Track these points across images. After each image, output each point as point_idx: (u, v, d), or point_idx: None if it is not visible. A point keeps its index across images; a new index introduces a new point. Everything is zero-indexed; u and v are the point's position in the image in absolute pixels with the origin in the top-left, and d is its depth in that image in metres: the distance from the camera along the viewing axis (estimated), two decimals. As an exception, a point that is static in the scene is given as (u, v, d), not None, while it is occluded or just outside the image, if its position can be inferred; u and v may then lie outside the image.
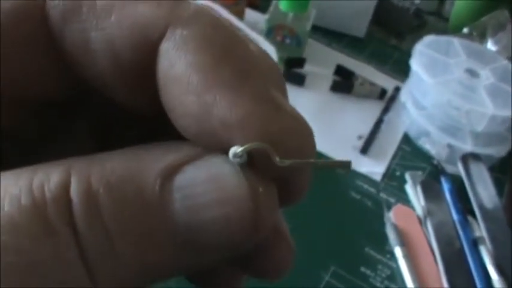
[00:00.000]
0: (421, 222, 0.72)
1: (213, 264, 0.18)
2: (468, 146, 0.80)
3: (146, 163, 0.16)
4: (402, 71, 0.94)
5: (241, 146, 0.16)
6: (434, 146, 0.83)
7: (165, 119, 0.18)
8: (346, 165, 0.18)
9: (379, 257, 0.68)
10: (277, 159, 0.17)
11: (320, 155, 0.78)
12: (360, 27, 1.03)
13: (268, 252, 0.20)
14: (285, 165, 0.17)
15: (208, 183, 0.16)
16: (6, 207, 0.14)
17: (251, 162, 0.17)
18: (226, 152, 0.17)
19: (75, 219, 0.14)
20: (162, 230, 0.15)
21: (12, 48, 0.18)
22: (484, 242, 0.69)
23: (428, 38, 0.89)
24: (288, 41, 0.91)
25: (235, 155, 0.16)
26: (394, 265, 0.67)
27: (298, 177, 0.20)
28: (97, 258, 0.14)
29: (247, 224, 0.16)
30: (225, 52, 0.17)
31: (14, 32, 0.17)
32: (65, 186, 0.14)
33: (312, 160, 0.18)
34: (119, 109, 0.20)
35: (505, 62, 0.90)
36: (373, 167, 0.79)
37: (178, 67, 0.17)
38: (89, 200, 0.14)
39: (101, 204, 0.15)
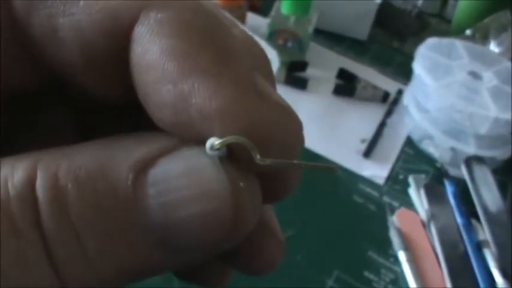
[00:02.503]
0: (425, 225, 0.72)
1: (193, 263, 0.17)
2: (471, 149, 0.80)
3: (118, 156, 0.15)
4: (405, 73, 0.94)
5: (220, 138, 0.15)
6: (438, 149, 0.83)
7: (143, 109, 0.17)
8: (332, 168, 0.17)
9: (382, 261, 0.67)
10: (258, 156, 0.15)
11: (323, 159, 0.78)
12: (362, 30, 1.03)
13: (256, 248, 0.19)
14: (265, 164, 0.15)
15: (184, 177, 0.15)
16: None
17: (232, 156, 0.16)
18: (204, 144, 0.16)
19: (42, 218, 0.13)
20: (135, 229, 0.14)
21: None
22: (488, 246, 0.69)
23: (431, 41, 0.89)
24: (290, 44, 0.91)
25: (213, 148, 0.15)
26: (397, 269, 0.67)
27: (285, 173, 0.19)
28: (65, 259, 0.14)
29: (227, 222, 0.15)
30: (205, 37, 0.16)
31: None
32: (31, 182, 0.14)
33: (296, 162, 0.16)
34: (95, 99, 0.19)
35: (507, 63, 0.89)
36: (376, 171, 0.79)
37: (152, 53, 0.15)
38: (56, 197, 0.14)
39: (69, 202, 0.14)
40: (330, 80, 0.90)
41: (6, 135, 0.19)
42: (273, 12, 0.91)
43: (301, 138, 0.17)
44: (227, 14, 0.18)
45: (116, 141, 0.15)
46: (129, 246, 0.14)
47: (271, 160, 0.16)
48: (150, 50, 0.15)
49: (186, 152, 0.15)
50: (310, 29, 0.91)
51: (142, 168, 0.15)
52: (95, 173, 0.14)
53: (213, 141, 0.15)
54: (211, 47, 0.16)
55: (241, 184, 0.15)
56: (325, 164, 0.17)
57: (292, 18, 0.89)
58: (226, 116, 0.15)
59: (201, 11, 0.16)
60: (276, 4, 0.91)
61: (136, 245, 0.14)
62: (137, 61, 0.16)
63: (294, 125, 0.17)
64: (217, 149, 0.15)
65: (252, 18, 0.97)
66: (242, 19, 0.93)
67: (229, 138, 0.15)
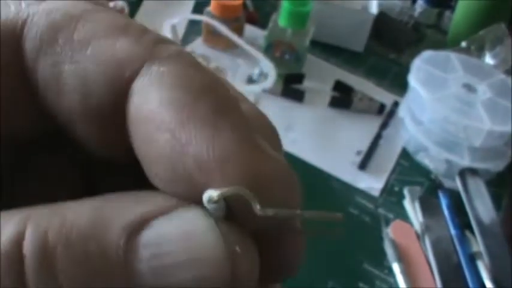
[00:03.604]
0: (419, 237, 0.73)
1: None
2: (466, 161, 0.81)
3: (112, 216, 0.14)
4: (401, 85, 0.95)
5: (218, 190, 0.15)
6: (433, 161, 0.84)
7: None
8: (338, 217, 0.16)
9: (377, 272, 0.68)
10: (258, 207, 0.15)
11: (319, 171, 0.79)
12: (358, 41, 1.04)
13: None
14: (267, 215, 0.15)
15: (178, 240, 0.14)
16: None
17: (230, 213, 0.15)
18: (202, 203, 0.15)
19: (27, 279, 0.13)
20: None
21: None
22: (481, 257, 0.70)
23: (426, 53, 0.90)
24: (287, 56, 0.92)
25: (211, 201, 0.15)
26: (392, 281, 0.68)
27: (288, 245, 0.18)
28: None
29: (221, 285, 0.14)
30: (205, 91, 0.16)
31: None
32: (19, 240, 0.13)
33: (299, 211, 0.16)
34: (95, 154, 0.19)
35: (502, 76, 0.90)
36: (371, 183, 0.80)
37: (151, 103, 0.15)
38: (44, 258, 0.13)
39: (57, 264, 0.13)
40: (326, 92, 0.91)
41: (5, 182, 0.19)
42: (270, 25, 0.92)
43: (300, 195, 0.17)
44: (236, 89, 0.18)
45: (111, 200, 0.15)
46: None
47: (272, 210, 0.15)
48: (149, 100, 0.15)
49: (182, 214, 0.15)
50: (307, 41, 0.92)
51: (136, 230, 0.14)
52: (86, 234, 0.13)
53: (211, 194, 0.15)
54: (211, 98, 0.15)
55: (238, 250, 0.15)
56: (330, 213, 0.16)
57: (290, 31, 0.90)
58: (225, 166, 0.15)
59: (202, 68, 0.16)
60: (274, 16, 0.92)
61: None
62: (135, 112, 0.16)
63: (293, 181, 0.16)
64: (216, 202, 0.15)
65: (249, 30, 0.98)
66: (240, 31, 0.94)
67: (229, 190, 0.15)
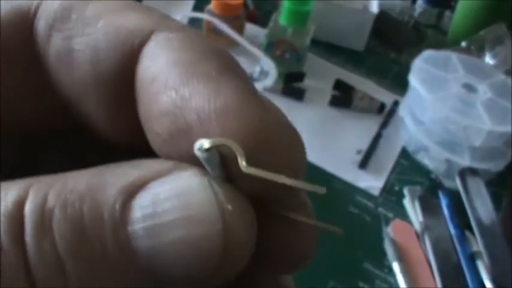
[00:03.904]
0: (419, 237, 0.73)
1: None
2: (466, 161, 0.81)
3: (109, 180, 0.14)
4: (401, 85, 0.95)
5: (210, 139, 0.15)
6: (433, 160, 0.84)
7: (143, 150, 0.17)
8: (320, 190, 0.15)
9: (377, 272, 0.68)
10: (244, 163, 0.14)
11: (319, 169, 0.79)
12: (359, 40, 1.04)
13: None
14: (251, 174, 0.14)
15: (172, 200, 0.14)
16: None
17: (230, 176, 0.15)
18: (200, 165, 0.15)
19: (25, 238, 0.13)
20: (118, 254, 0.14)
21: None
22: (481, 257, 0.70)
23: (427, 53, 0.90)
24: (287, 55, 0.92)
25: (201, 149, 0.15)
26: (392, 280, 0.68)
27: (298, 231, 0.18)
28: (45, 282, 0.13)
29: (216, 247, 0.14)
30: (210, 53, 0.16)
31: (1, 49, 0.17)
32: (20, 202, 0.14)
33: (283, 176, 0.15)
34: (95, 141, 0.19)
35: (502, 76, 0.90)
36: (371, 182, 0.80)
37: (157, 65, 0.16)
38: (42, 218, 0.13)
39: (54, 223, 0.13)
40: (327, 91, 0.91)
41: (10, 173, 0.19)
42: (271, 24, 0.92)
43: (302, 156, 0.16)
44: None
45: (110, 167, 0.15)
46: (111, 273, 0.14)
47: (257, 170, 0.14)
48: (157, 62, 0.16)
49: (178, 174, 0.15)
50: (308, 40, 0.92)
51: (132, 192, 0.14)
52: (83, 196, 0.14)
53: (202, 142, 0.15)
54: (215, 59, 0.16)
55: (230, 208, 0.14)
56: (313, 185, 0.15)
57: (290, 29, 0.90)
58: (225, 118, 0.15)
59: (207, 38, 0.17)
60: (274, 15, 0.92)
61: (120, 272, 0.14)
62: (143, 74, 0.16)
63: (296, 140, 0.16)
64: (207, 151, 0.15)
65: (250, 28, 0.98)
66: (240, 29, 0.94)
67: (219, 140, 0.14)
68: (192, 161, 0.15)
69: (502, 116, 0.81)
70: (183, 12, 0.99)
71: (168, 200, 0.14)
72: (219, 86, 0.15)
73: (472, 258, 0.70)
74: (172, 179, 0.15)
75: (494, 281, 0.67)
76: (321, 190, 0.15)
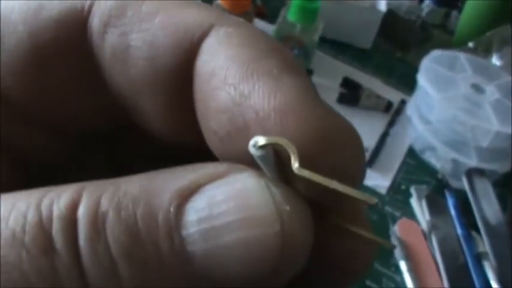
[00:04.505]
0: (426, 236, 0.73)
1: None
2: (473, 161, 0.81)
3: (163, 183, 0.14)
4: (408, 83, 0.95)
5: (266, 137, 0.14)
6: (439, 160, 0.84)
7: (197, 150, 0.17)
8: (371, 201, 0.15)
9: (384, 270, 0.68)
10: (296, 165, 0.14)
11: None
12: (366, 39, 1.04)
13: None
14: (302, 175, 0.14)
15: (228, 202, 0.14)
16: (10, 222, 0.13)
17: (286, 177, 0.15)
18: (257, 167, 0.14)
19: (79, 240, 0.13)
20: (172, 258, 0.13)
21: (53, 62, 0.17)
22: (487, 257, 0.70)
23: (435, 53, 0.90)
24: (295, 52, 0.91)
25: (255, 145, 0.14)
26: (398, 279, 0.68)
27: (355, 247, 0.17)
28: (98, 283, 0.13)
29: (273, 250, 0.14)
30: (270, 50, 0.16)
31: (56, 48, 0.17)
32: (74, 206, 0.14)
33: (335, 182, 0.14)
34: (143, 144, 0.19)
35: (509, 78, 0.90)
36: (378, 180, 0.80)
37: (217, 60, 0.15)
38: (96, 221, 0.13)
39: (108, 226, 0.13)
40: (334, 88, 0.91)
41: (56, 170, 0.19)
42: (279, 20, 0.91)
43: (362, 161, 0.16)
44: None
45: (163, 172, 0.15)
46: (165, 277, 0.14)
47: (309, 173, 0.14)
48: (216, 57, 0.16)
49: (233, 177, 0.14)
50: (316, 36, 0.91)
51: (187, 195, 0.14)
52: (137, 199, 0.14)
53: (258, 139, 0.14)
54: (275, 57, 0.16)
55: (288, 208, 0.14)
56: (364, 194, 0.14)
57: (299, 26, 0.89)
58: (284, 116, 0.14)
59: (266, 34, 0.17)
60: (283, 11, 0.92)
61: (173, 276, 0.14)
62: (202, 69, 0.16)
63: (357, 144, 0.16)
64: (261, 148, 0.14)
65: (258, 24, 0.98)
66: (249, 25, 0.94)
67: (272, 138, 0.14)
68: (249, 161, 0.15)
69: (509, 117, 0.81)
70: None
71: (224, 202, 0.14)
72: (279, 84, 0.15)
73: (478, 258, 0.70)
74: (228, 181, 0.14)
75: (500, 281, 0.68)
76: (371, 201, 0.14)
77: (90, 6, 0.17)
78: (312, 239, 0.15)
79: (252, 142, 0.14)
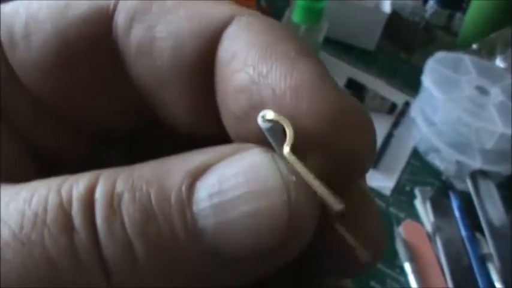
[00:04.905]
0: (430, 237, 0.73)
1: (248, 277, 0.16)
2: (477, 163, 0.81)
3: (174, 165, 0.15)
4: (412, 85, 0.95)
5: (273, 112, 0.15)
6: (444, 162, 0.84)
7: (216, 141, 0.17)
8: (337, 206, 0.15)
9: (388, 271, 0.68)
10: (287, 149, 0.15)
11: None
12: (370, 40, 1.04)
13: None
14: (288, 159, 0.15)
15: (237, 176, 0.14)
16: (33, 204, 0.14)
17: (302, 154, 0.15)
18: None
19: (96, 219, 0.14)
20: (184, 234, 0.14)
21: (79, 60, 0.18)
22: (491, 259, 0.70)
23: (440, 55, 0.90)
24: (300, 53, 0.91)
25: (263, 118, 0.15)
26: (403, 280, 0.68)
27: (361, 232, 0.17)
28: (115, 260, 0.14)
29: (281, 219, 0.14)
30: (287, 36, 0.17)
31: (82, 46, 0.18)
32: (91, 188, 0.14)
33: (312, 176, 0.15)
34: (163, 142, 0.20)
35: (514, 80, 0.91)
36: (382, 181, 0.80)
37: (237, 44, 0.16)
38: (112, 201, 0.14)
39: (123, 206, 0.14)
40: (339, 89, 0.91)
41: (75, 165, 0.20)
42: (284, 20, 0.91)
43: (372, 143, 0.16)
44: None
45: (175, 156, 0.16)
46: (177, 252, 0.14)
47: (295, 160, 0.15)
48: (237, 42, 0.16)
49: (242, 154, 0.15)
50: (321, 37, 0.91)
51: (198, 174, 0.15)
52: (151, 180, 0.14)
53: (266, 112, 0.15)
54: (292, 42, 0.16)
55: (293, 178, 0.15)
56: (333, 197, 0.15)
57: (303, 27, 0.89)
58: (300, 94, 0.15)
59: (287, 26, 0.18)
60: (288, 12, 0.92)
61: (185, 252, 0.14)
62: (222, 54, 0.17)
63: (368, 126, 0.16)
64: (268, 121, 0.15)
65: (262, 25, 0.98)
66: (253, 26, 0.94)
67: (277, 116, 0.15)
68: (264, 141, 0.16)
69: (514, 119, 0.81)
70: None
71: (234, 177, 0.14)
72: (296, 65, 0.16)
73: (482, 260, 0.70)
74: (236, 159, 0.15)
75: (504, 282, 0.68)
76: (337, 206, 0.15)
77: (116, 5, 0.18)
78: (317, 211, 0.15)
79: (261, 114, 0.15)
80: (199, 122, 0.19)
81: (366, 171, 0.17)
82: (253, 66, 0.16)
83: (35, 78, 0.18)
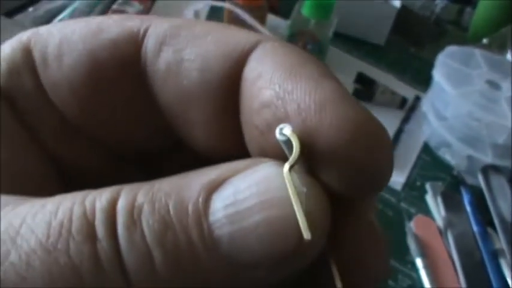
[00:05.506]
0: (442, 233, 0.72)
1: (263, 286, 0.16)
2: (488, 158, 0.80)
3: (192, 178, 0.16)
4: (422, 80, 0.94)
5: (291, 127, 0.16)
6: (455, 156, 0.83)
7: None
8: (304, 234, 0.15)
9: (400, 267, 0.68)
10: (287, 167, 0.15)
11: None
12: (379, 34, 1.04)
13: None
14: (285, 175, 0.15)
15: (251, 188, 0.15)
16: (58, 215, 0.15)
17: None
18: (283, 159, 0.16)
19: (118, 230, 0.15)
20: (201, 243, 0.15)
21: (108, 81, 0.19)
22: (503, 255, 0.70)
23: (450, 49, 0.89)
24: (309, 47, 0.91)
25: (280, 131, 0.16)
26: (414, 275, 0.67)
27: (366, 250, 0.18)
28: (135, 269, 0.14)
29: (292, 228, 0.15)
30: (311, 60, 0.17)
31: (111, 67, 0.19)
32: (114, 201, 0.15)
33: (296, 196, 0.15)
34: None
35: (525, 74, 0.90)
36: (393, 176, 0.78)
37: (264, 66, 0.17)
38: (132, 212, 0.15)
39: (143, 216, 0.15)
40: (348, 84, 0.91)
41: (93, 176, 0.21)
42: (293, 15, 0.91)
43: (391, 159, 0.17)
44: None
45: (194, 171, 0.16)
46: (194, 261, 0.15)
47: (288, 178, 0.15)
48: (262, 63, 0.17)
49: (256, 168, 0.16)
50: (331, 32, 0.91)
51: (214, 187, 0.15)
52: (170, 193, 0.15)
53: (283, 126, 0.16)
54: (315, 65, 0.17)
55: (304, 189, 0.15)
56: (305, 224, 0.15)
57: (313, 21, 0.89)
58: (324, 108, 0.16)
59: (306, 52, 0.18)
60: (297, 6, 0.91)
61: (203, 260, 0.15)
62: (248, 75, 0.18)
63: (388, 143, 0.16)
64: (282, 135, 0.16)
65: (271, 19, 0.97)
66: (262, 20, 0.93)
67: (291, 132, 0.16)
68: (284, 156, 0.16)
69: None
70: (205, 1, 0.98)
71: (248, 189, 0.15)
72: (319, 84, 0.16)
73: (494, 255, 0.70)
74: (251, 172, 0.16)
75: (517, 279, 0.67)
76: (305, 235, 0.15)
77: (146, 30, 0.19)
78: (328, 223, 0.16)
79: (279, 127, 0.16)
80: (222, 143, 0.20)
81: (382, 186, 0.17)
82: (279, 84, 0.17)
83: (65, 97, 0.20)
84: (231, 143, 0.19)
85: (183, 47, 0.18)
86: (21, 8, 0.86)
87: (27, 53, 0.19)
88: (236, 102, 0.18)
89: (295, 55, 0.17)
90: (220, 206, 0.15)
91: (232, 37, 0.18)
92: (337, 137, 0.16)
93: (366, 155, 0.16)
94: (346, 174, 0.16)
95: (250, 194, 0.15)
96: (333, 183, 0.16)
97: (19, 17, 0.84)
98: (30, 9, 0.87)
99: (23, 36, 0.20)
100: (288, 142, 0.16)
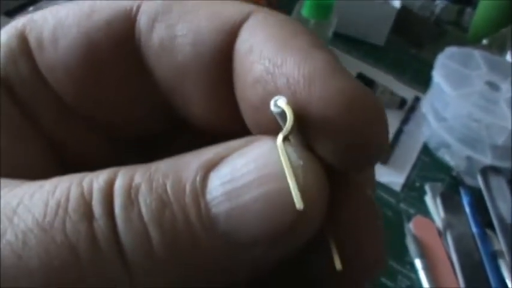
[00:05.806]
0: (441, 234, 0.72)
1: (261, 265, 0.16)
2: (487, 159, 0.80)
3: (189, 158, 0.16)
4: (421, 81, 0.95)
5: (285, 99, 0.16)
6: (454, 157, 0.83)
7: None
8: (297, 204, 0.15)
9: (399, 268, 0.68)
10: (281, 137, 0.15)
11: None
12: (379, 35, 1.04)
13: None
14: (278, 147, 0.15)
15: (248, 164, 0.15)
16: (56, 194, 0.15)
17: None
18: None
19: (115, 209, 0.15)
20: (198, 221, 0.15)
21: (104, 62, 0.19)
22: (502, 256, 0.70)
23: (450, 50, 0.89)
24: (309, 48, 0.91)
25: (275, 103, 0.16)
26: (413, 276, 0.67)
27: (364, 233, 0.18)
28: (132, 248, 0.14)
29: (289, 203, 0.14)
30: (301, 32, 0.17)
31: (106, 47, 0.19)
32: (111, 181, 0.15)
33: (290, 169, 0.15)
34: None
35: (525, 75, 0.90)
36: (393, 177, 0.79)
37: (255, 38, 0.17)
38: (130, 192, 0.15)
39: (140, 196, 0.15)
40: (348, 84, 0.91)
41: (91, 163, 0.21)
42: (293, 15, 0.91)
43: (384, 132, 0.16)
44: None
45: (191, 152, 0.16)
46: (192, 240, 0.15)
47: (282, 151, 0.15)
48: (254, 36, 0.17)
49: (253, 145, 0.16)
50: (330, 32, 0.91)
51: (212, 166, 0.15)
52: (166, 172, 0.15)
53: (277, 98, 0.16)
54: (306, 36, 0.17)
55: (301, 162, 0.15)
56: (298, 195, 0.15)
57: (313, 21, 0.89)
58: (313, 81, 0.16)
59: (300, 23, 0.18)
60: (297, 7, 0.91)
61: (200, 239, 0.15)
62: (240, 47, 0.18)
63: (379, 114, 0.16)
64: (277, 106, 0.16)
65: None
66: (262, 20, 0.93)
67: (286, 105, 0.16)
68: (279, 129, 0.16)
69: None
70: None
71: (245, 166, 0.15)
72: (309, 56, 0.16)
73: (494, 256, 0.70)
74: (248, 149, 0.16)
75: (516, 280, 0.67)
76: (298, 205, 0.14)
77: (138, 7, 0.19)
78: (326, 197, 0.16)
79: (273, 99, 0.16)
80: (219, 118, 0.19)
81: (378, 157, 0.17)
82: (268, 58, 0.17)
83: (61, 80, 0.20)
84: (228, 118, 0.19)
85: (175, 22, 0.18)
86: (21, 8, 0.86)
87: (22, 39, 0.20)
88: (231, 75, 0.18)
89: (287, 26, 0.17)
90: (218, 184, 0.15)
91: (224, 10, 0.18)
92: (329, 109, 0.15)
93: (360, 126, 0.16)
94: (341, 146, 0.16)
95: (247, 171, 0.15)
96: (329, 156, 0.16)
97: (19, 16, 0.84)
98: (30, 9, 0.87)
99: (18, 23, 0.20)
100: (283, 114, 0.16)
